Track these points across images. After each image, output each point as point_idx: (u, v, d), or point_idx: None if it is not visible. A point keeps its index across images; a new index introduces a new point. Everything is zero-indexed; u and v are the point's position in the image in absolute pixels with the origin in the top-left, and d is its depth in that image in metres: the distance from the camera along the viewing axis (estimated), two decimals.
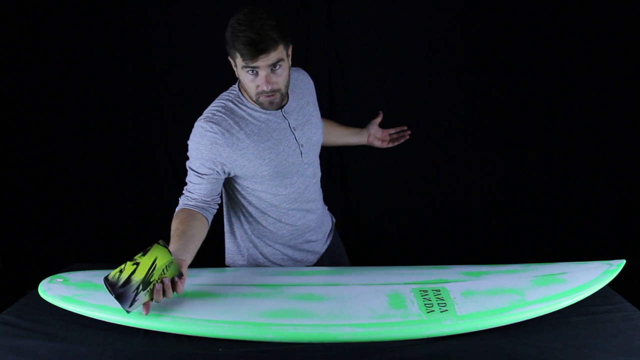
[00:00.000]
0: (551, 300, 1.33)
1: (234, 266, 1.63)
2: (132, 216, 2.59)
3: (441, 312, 1.27)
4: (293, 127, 1.50)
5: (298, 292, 1.34)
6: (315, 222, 1.64)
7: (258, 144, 1.43)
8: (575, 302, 1.34)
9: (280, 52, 1.34)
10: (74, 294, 1.35)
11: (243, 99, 1.46)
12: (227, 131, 1.41)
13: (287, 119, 1.49)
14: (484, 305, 1.29)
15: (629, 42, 2.29)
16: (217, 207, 1.48)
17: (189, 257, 1.33)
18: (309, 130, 1.54)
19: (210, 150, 1.41)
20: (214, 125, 1.41)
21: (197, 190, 1.44)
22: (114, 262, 1.83)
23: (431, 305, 1.29)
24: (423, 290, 1.34)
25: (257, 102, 1.41)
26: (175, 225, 1.41)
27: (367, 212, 2.58)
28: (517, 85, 2.39)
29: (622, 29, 2.28)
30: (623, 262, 1.49)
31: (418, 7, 2.38)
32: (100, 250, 2.62)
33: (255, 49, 1.30)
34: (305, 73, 1.62)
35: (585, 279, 1.40)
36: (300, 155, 1.51)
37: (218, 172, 1.43)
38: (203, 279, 1.41)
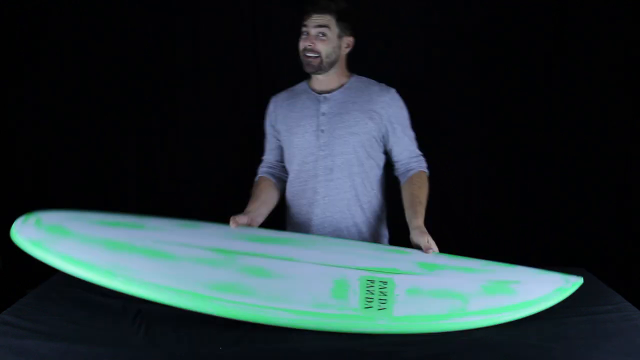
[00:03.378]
0: (492, 314, 1.31)
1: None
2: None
3: (378, 309, 1.27)
4: (322, 112, 1.66)
5: (250, 263, 1.34)
6: (322, 224, 1.67)
7: (288, 112, 1.72)
8: (515, 319, 1.32)
9: (329, 22, 1.61)
10: (42, 238, 1.37)
11: (305, 83, 1.77)
12: (279, 100, 1.77)
13: (322, 102, 1.68)
14: (423, 308, 1.29)
15: (629, 42, 2.29)
16: (287, 173, 1.76)
17: (260, 219, 1.66)
18: (340, 125, 1.64)
19: (267, 116, 1.79)
20: (273, 98, 1.80)
21: (266, 155, 1.81)
22: None
23: (371, 300, 1.29)
24: (370, 280, 1.32)
25: (302, 62, 1.66)
26: (252, 190, 1.75)
27: None
28: (515, 87, 2.39)
29: (622, 29, 2.28)
30: (580, 281, 1.43)
31: (417, 10, 2.38)
32: None
33: (310, 8, 1.62)
34: (395, 97, 1.68)
35: (536, 294, 1.36)
36: (317, 139, 1.65)
37: (273, 134, 1.77)
38: (175, 236, 1.41)
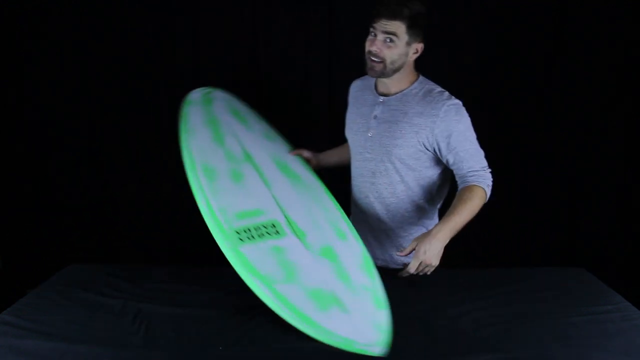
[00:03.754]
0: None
1: None
2: (133, 216, 2.59)
3: (240, 238, 1.40)
4: (375, 115, 1.65)
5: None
6: (359, 222, 1.70)
7: (354, 104, 1.75)
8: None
9: (399, 29, 1.51)
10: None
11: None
12: (354, 88, 1.80)
13: (377, 105, 1.66)
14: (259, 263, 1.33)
15: (629, 41, 2.29)
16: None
17: (324, 162, 1.88)
18: (386, 134, 1.61)
19: (349, 95, 1.82)
20: (353, 82, 1.83)
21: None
22: (114, 262, 1.84)
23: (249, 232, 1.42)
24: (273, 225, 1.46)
25: (365, 62, 1.59)
26: None
27: None
28: (515, 87, 2.39)
29: (622, 29, 2.28)
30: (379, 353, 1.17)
31: None
32: (100, 250, 2.62)
33: (380, 10, 1.51)
34: (449, 110, 1.56)
35: (342, 331, 1.18)
36: (365, 140, 1.67)
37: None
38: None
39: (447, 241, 1.46)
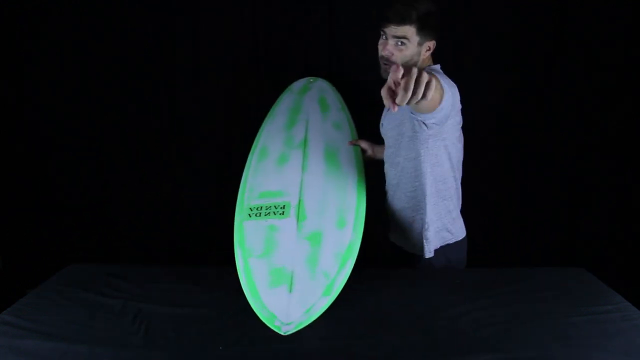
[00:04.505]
0: None
1: None
2: (133, 216, 2.59)
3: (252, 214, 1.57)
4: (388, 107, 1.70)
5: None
6: (392, 206, 1.78)
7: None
8: None
9: (408, 32, 1.52)
10: None
11: None
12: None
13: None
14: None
15: (629, 42, 2.28)
16: None
17: (378, 153, 1.86)
18: (392, 124, 1.69)
19: None
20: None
21: None
22: (114, 262, 1.84)
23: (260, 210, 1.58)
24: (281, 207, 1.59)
25: (379, 65, 1.62)
26: None
27: None
28: (515, 87, 2.39)
29: (622, 29, 2.28)
30: None
31: None
32: (100, 250, 2.62)
33: (390, 16, 1.51)
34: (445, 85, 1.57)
35: None
36: (382, 126, 1.77)
37: None
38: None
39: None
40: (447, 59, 2.37)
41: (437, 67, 1.66)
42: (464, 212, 1.92)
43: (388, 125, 1.74)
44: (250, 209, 1.62)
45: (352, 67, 2.39)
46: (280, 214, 1.56)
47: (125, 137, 2.52)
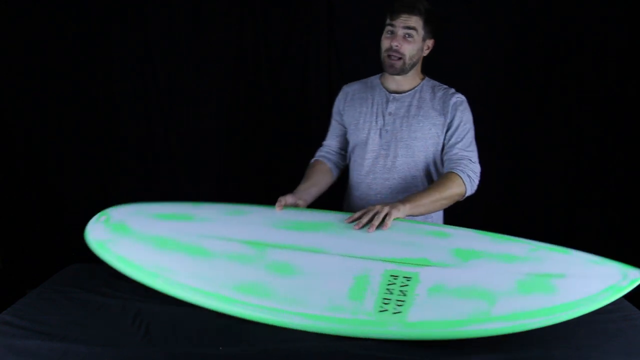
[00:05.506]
0: (519, 319, 1.16)
1: None
2: None
3: (393, 313, 1.21)
4: (389, 112, 1.68)
5: (277, 258, 1.37)
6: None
7: (358, 105, 1.73)
8: (547, 325, 1.17)
9: (417, 24, 1.58)
10: (107, 238, 1.53)
11: (377, 78, 1.77)
12: (351, 90, 1.79)
13: (390, 102, 1.69)
14: (441, 312, 1.19)
15: (629, 42, 2.29)
16: (344, 162, 1.82)
17: (308, 198, 1.67)
18: (403, 128, 1.66)
19: (337, 102, 1.81)
20: (345, 87, 1.82)
21: (328, 140, 1.84)
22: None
23: (388, 302, 1.23)
24: (393, 276, 1.26)
25: (383, 62, 1.64)
26: (305, 172, 1.78)
27: None
28: (515, 87, 2.39)
29: (622, 29, 2.28)
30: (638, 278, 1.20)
31: None
32: None
33: (399, 7, 1.57)
34: (458, 101, 1.67)
35: (579, 294, 1.18)
36: (380, 137, 1.68)
37: (339, 121, 1.80)
38: (219, 227, 1.49)
39: (403, 210, 1.45)
40: (447, 61, 2.41)
41: (462, 97, 1.69)
42: (464, 212, 1.92)
43: None
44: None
45: (352, 67, 2.39)
46: (405, 285, 1.27)
47: (125, 137, 2.52)
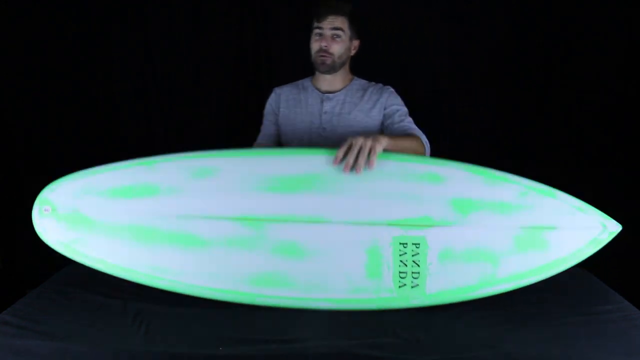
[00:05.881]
0: (521, 279, 1.37)
1: None
2: None
3: (412, 287, 1.35)
4: (325, 111, 1.75)
5: (280, 236, 1.36)
6: None
7: (293, 107, 1.79)
8: (546, 277, 1.37)
9: (344, 25, 1.68)
10: (70, 239, 1.40)
11: (308, 80, 1.84)
12: (284, 92, 1.84)
13: (325, 102, 1.76)
14: (454, 279, 1.35)
15: (630, 41, 2.29)
16: None
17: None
18: (341, 124, 1.73)
19: (269, 104, 1.86)
20: (276, 89, 1.88)
21: (260, 139, 1.83)
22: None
23: (405, 275, 1.35)
24: (403, 244, 1.35)
25: (314, 63, 1.73)
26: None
27: None
28: (516, 87, 2.39)
29: (622, 29, 2.28)
30: (618, 229, 1.43)
31: (416, 9, 2.39)
32: None
33: (325, 9, 1.66)
34: (391, 91, 1.78)
35: (569, 249, 1.37)
36: (318, 136, 1.74)
37: (273, 121, 1.83)
38: (194, 201, 1.36)
39: (383, 142, 1.39)
40: (447, 61, 2.41)
41: (390, 87, 1.79)
42: None
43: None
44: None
45: (351, 66, 2.39)
46: (416, 254, 1.38)
47: (125, 137, 2.52)
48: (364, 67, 2.12)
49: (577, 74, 2.35)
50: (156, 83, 2.48)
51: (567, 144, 2.40)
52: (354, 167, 1.35)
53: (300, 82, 1.87)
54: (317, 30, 1.69)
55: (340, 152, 1.36)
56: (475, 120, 2.40)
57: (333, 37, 1.68)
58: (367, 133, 1.51)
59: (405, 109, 1.76)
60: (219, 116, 2.51)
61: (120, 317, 1.37)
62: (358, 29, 1.73)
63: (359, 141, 1.36)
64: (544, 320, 1.33)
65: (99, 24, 2.42)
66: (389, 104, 1.75)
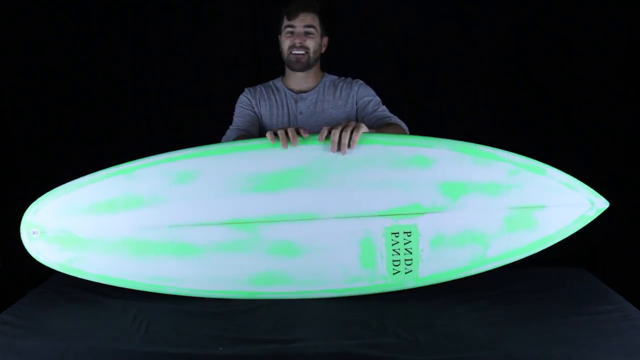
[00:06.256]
0: (510, 257, 1.40)
1: None
2: None
3: (405, 273, 1.39)
4: (300, 111, 1.77)
5: (273, 237, 1.37)
6: None
7: (269, 107, 1.78)
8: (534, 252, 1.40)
9: (314, 21, 1.70)
10: (66, 258, 1.41)
11: (279, 81, 1.83)
12: (257, 93, 1.82)
13: (298, 102, 1.77)
14: (445, 263, 1.39)
15: (630, 42, 2.29)
16: None
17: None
18: (317, 123, 1.73)
19: (243, 101, 1.83)
20: (248, 89, 1.85)
21: (237, 123, 1.79)
22: None
23: (398, 262, 1.39)
24: (395, 234, 1.37)
25: (287, 61, 1.74)
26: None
27: None
28: (515, 88, 2.39)
29: (623, 29, 2.28)
30: (606, 206, 1.45)
31: (416, 9, 2.39)
32: None
33: (297, 6, 1.68)
34: (361, 84, 1.81)
35: (556, 226, 1.39)
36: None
37: (251, 114, 1.80)
38: (180, 208, 1.37)
39: (366, 127, 1.40)
40: (447, 61, 2.41)
41: (360, 80, 1.82)
42: None
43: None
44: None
45: (352, 66, 2.39)
46: (408, 242, 1.43)
47: (125, 137, 2.52)
48: (364, 67, 2.14)
49: (577, 74, 2.34)
50: (156, 83, 2.48)
51: (567, 144, 2.39)
52: (339, 147, 1.34)
53: (270, 83, 1.86)
54: (288, 29, 1.71)
55: (325, 130, 1.36)
56: (475, 120, 2.40)
57: (306, 34, 1.70)
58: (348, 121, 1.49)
59: (377, 99, 1.78)
60: (219, 116, 2.50)
61: (120, 317, 1.37)
62: (327, 26, 1.76)
63: (342, 123, 1.39)
64: (544, 320, 1.33)
65: (99, 24, 2.42)
66: (360, 96, 1.77)
